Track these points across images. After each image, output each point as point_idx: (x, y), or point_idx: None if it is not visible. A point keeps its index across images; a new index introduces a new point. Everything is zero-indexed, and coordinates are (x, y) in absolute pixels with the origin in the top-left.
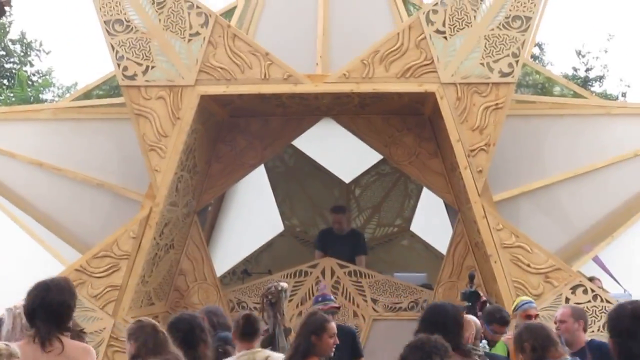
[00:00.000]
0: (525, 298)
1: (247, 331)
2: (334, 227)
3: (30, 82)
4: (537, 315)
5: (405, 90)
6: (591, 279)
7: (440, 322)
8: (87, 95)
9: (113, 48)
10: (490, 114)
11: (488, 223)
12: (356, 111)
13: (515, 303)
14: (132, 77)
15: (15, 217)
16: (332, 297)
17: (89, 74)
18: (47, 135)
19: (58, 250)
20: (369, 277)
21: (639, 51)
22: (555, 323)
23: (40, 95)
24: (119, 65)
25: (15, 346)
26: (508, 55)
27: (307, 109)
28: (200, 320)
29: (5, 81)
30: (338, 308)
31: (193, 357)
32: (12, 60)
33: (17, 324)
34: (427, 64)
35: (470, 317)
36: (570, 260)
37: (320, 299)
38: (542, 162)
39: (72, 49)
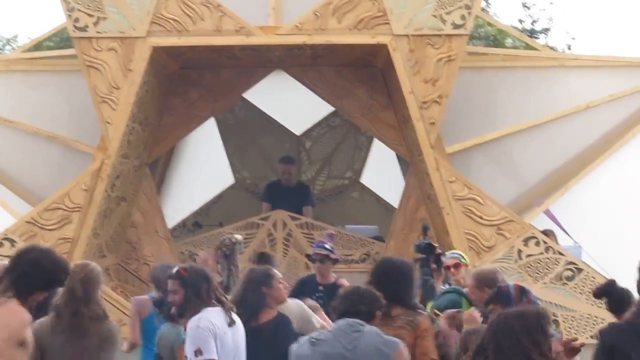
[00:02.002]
0: (454, 251)
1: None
2: (283, 177)
3: None
4: (456, 265)
5: (358, 42)
6: (546, 233)
7: (388, 276)
8: (37, 46)
9: None
10: (443, 66)
11: (440, 175)
12: (308, 63)
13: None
14: (84, 29)
15: None
16: (327, 246)
17: (30, 26)
18: None
19: (9, 202)
20: (320, 229)
21: (584, 3)
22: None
23: None
24: (69, 16)
25: None
26: (461, 7)
27: (259, 61)
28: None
29: None
30: (326, 256)
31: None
32: None
33: None
34: (380, 16)
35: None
36: (522, 213)
37: (315, 244)
38: (495, 114)
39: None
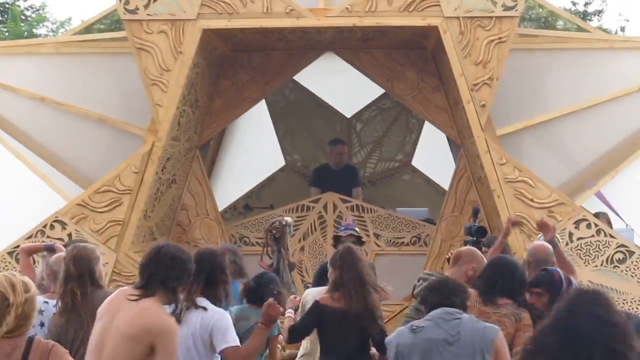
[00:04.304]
0: None
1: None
2: (336, 159)
3: (23, 17)
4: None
5: (408, 24)
6: (597, 216)
7: (501, 272)
8: (88, 29)
9: None
10: (493, 48)
11: (491, 157)
12: (358, 45)
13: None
14: (134, 11)
15: (17, 152)
16: (353, 227)
17: (83, 9)
18: (49, 70)
19: (60, 185)
20: (371, 212)
21: None
22: None
23: (34, 30)
24: None
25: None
26: None
27: (309, 43)
28: (221, 258)
29: None
30: (358, 238)
31: (212, 297)
32: None
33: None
34: None
35: (476, 250)
36: (572, 196)
37: (342, 228)
38: (545, 96)
39: None
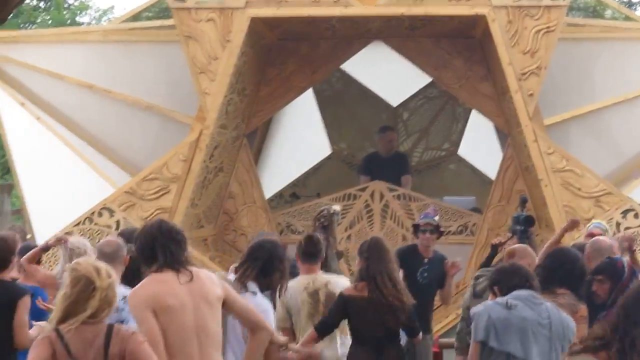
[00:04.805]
0: (596, 221)
1: (309, 251)
2: (386, 146)
3: (66, 5)
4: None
5: (456, 13)
6: None
7: (562, 262)
8: (136, 17)
9: None
10: (541, 37)
11: (539, 147)
12: (406, 34)
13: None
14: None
15: (65, 139)
16: (436, 217)
17: None
18: (97, 58)
19: (108, 172)
20: (418, 201)
21: None
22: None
23: (77, 19)
24: None
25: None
26: None
27: (357, 32)
28: (281, 249)
29: (41, 4)
30: (436, 227)
31: (267, 286)
32: None
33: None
34: None
35: (528, 247)
36: (620, 185)
37: (421, 216)
38: (593, 86)
39: None
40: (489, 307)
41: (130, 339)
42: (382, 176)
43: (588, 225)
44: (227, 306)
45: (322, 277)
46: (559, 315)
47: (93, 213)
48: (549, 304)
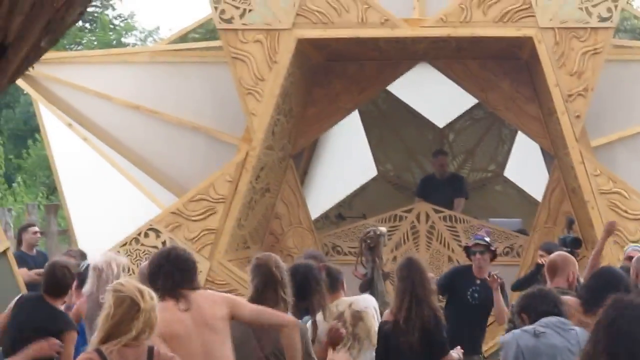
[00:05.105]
0: (633, 244)
1: (329, 282)
2: (437, 170)
3: (112, 26)
4: None
5: (503, 34)
6: None
7: (606, 283)
8: (183, 38)
9: None
10: (588, 59)
11: (585, 169)
12: (452, 55)
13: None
14: (229, 21)
15: (112, 160)
16: (487, 238)
17: (171, 18)
18: (144, 78)
19: (154, 193)
20: (464, 222)
21: None
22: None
23: (122, 39)
24: (216, 8)
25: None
26: (607, 0)
27: (403, 53)
28: (316, 271)
29: (87, 25)
30: (487, 248)
31: (305, 308)
32: (94, 4)
33: (101, 283)
34: (525, 9)
35: (565, 253)
36: None
37: (474, 236)
38: None
39: None
40: (517, 335)
41: None
42: (437, 197)
43: (625, 248)
44: (238, 319)
45: (345, 299)
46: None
47: (139, 234)
48: (578, 329)
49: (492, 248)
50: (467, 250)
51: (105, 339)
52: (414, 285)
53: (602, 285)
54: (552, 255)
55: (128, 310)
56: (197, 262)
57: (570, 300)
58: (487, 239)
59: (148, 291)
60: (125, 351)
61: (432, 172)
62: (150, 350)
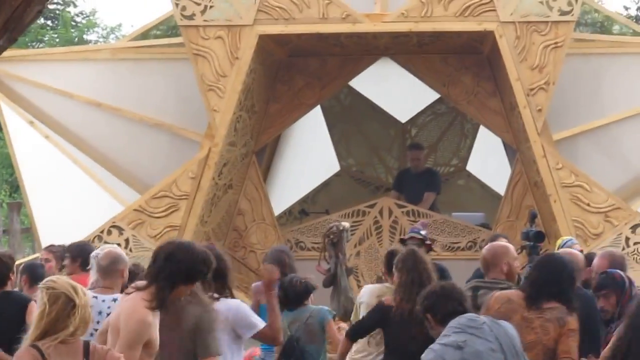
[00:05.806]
0: (567, 237)
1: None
2: (412, 164)
3: (74, 23)
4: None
5: (464, 29)
6: None
7: (551, 271)
8: (144, 35)
9: None
10: (549, 53)
11: (547, 162)
12: (414, 50)
13: (558, 242)
14: (191, 17)
15: (74, 157)
16: (422, 232)
17: (133, 15)
18: (105, 76)
19: (117, 190)
20: (426, 217)
21: None
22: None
23: (84, 36)
24: (177, 4)
25: None
26: None
27: (365, 48)
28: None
29: (49, 22)
30: (422, 241)
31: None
32: (55, 1)
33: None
34: (486, 3)
35: (497, 243)
36: (629, 200)
37: (410, 230)
38: (602, 101)
39: None
40: (440, 352)
41: (107, 356)
42: (411, 191)
43: (558, 242)
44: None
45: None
46: (499, 328)
47: (102, 231)
48: (486, 319)
49: (427, 242)
50: (403, 243)
51: (41, 336)
52: (421, 278)
53: (544, 279)
54: (483, 250)
55: (64, 307)
56: None
57: (513, 294)
58: (423, 232)
59: (81, 287)
60: (61, 347)
61: (406, 166)
62: (86, 345)
